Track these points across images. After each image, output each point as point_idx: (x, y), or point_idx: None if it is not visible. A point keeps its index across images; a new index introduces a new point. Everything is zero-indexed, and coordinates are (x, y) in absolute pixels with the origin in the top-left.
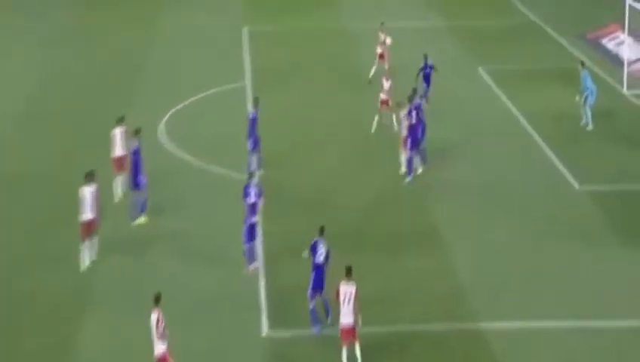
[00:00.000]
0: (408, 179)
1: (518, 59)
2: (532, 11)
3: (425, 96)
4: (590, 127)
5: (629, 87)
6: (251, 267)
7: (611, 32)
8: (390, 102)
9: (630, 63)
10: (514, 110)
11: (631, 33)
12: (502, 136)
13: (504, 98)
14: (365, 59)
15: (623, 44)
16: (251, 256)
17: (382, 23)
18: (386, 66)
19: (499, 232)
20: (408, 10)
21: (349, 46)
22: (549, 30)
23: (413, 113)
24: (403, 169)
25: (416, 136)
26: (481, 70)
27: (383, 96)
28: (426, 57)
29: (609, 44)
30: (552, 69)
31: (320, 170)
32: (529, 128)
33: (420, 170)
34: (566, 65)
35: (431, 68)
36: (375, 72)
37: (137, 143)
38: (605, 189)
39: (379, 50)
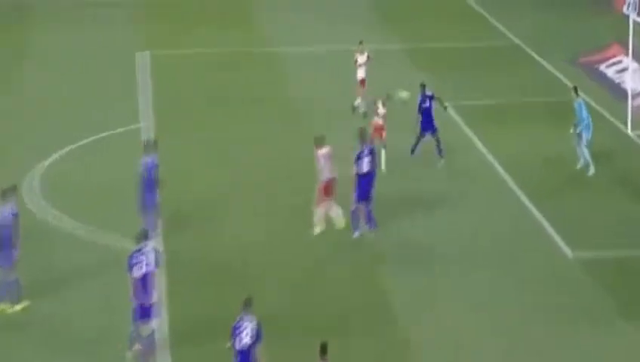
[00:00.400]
0: (356, 234)
1: (495, 91)
2: (513, 31)
3: (422, 135)
4: (592, 170)
5: (634, 127)
6: (132, 350)
7: (612, 56)
8: (385, 132)
9: (635, 96)
10: (490, 157)
11: (637, 57)
12: (475, 191)
13: (477, 142)
14: (299, 87)
15: (625, 71)
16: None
17: (360, 42)
18: (361, 92)
19: (471, 318)
20: (355, 29)
21: (278, 73)
22: (534, 54)
23: (366, 159)
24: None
25: (365, 186)
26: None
27: (378, 121)
28: (423, 87)
29: (608, 70)
30: (537, 103)
31: (240, 230)
32: (509, 180)
33: (364, 231)
34: (554, 97)
35: (431, 99)
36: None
37: (9, 208)
38: (605, 256)
39: (360, 75)
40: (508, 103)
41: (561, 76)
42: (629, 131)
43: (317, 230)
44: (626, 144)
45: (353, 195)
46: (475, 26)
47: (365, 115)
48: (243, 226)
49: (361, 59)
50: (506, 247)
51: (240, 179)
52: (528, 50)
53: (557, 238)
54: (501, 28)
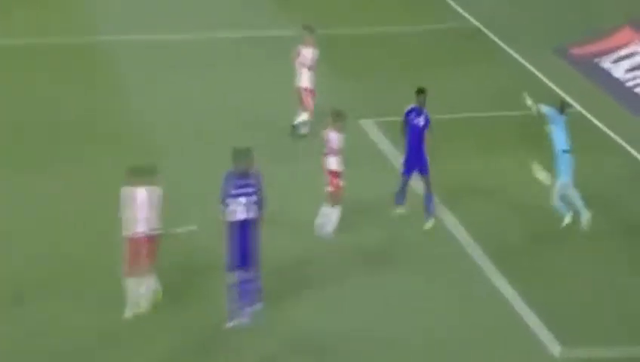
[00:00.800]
0: (229, 325)
1: (441, 100)
2: (475, 13)
3: (406, 174)
4: (587, 217)
5: None
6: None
7: (621, 45)
8: (339, 180)
9: None
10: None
11: None
12: (422, 259)
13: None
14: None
15: None
16: None
17: (307, 28)
18: (309, 105)
19: None
20: (252, 12)
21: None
22: (502, 44)
23: (242, 199)
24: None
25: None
26: (364, 123)
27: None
28: (422, 95)
29: (616, 66)
30: (507, 117)
31: None
32: (471, 245)
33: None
34: (525, 108)
35: (426, 115)
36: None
37: None
38: (602, 356)
39: (304, 82)
40: (462, 118)
41: (541, 75)
42: None
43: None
44: None
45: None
46: (423, 6)
47: (299, 134)
48: None
49: (307, 54)
50: (475, 344)
51: None
52: (494, 37)
53: (541, 331)
54: (458, 9)
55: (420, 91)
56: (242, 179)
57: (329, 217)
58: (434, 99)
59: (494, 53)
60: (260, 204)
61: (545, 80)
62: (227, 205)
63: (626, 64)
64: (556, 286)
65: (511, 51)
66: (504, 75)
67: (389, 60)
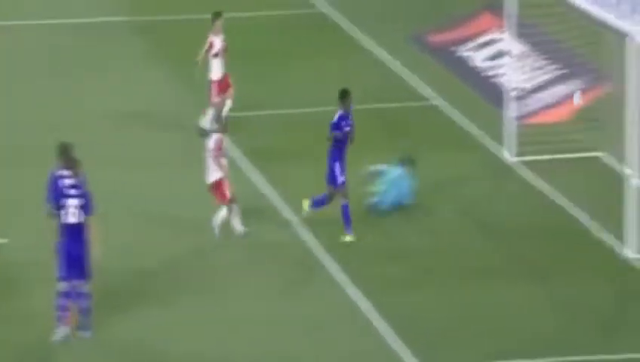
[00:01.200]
0: None
1: (285, 93)
2: None
3: (336, 184)
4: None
5: (516, 151)
6: None
7: (480, 32)
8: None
9: (519, 97)
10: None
11: (518, 34)
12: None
13: (262, 185)
14: None
15: (503, 57)
16: None
17: (217, 15)
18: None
19: None
20: None
21: None
22: (353, 31)
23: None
24: None
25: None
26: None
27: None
28: (346, 96)
29: (474, 55)
30: (358, 111)
31: None
32: (337, 271)
33: None
34: (384, 101)
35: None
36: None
37: None
38: None
39: (215, 73)
40: (310, 112)
41: (395, 65)
42: (509, 157)
43: None
44: (503, 180)
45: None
46: None
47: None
48: None
49: (218, 43)
50: None
51: None
52: (345, 24)
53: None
54: None
55: (346, 94)
56: (70, 178)
57: (221, 216)
58: (277, 92)
59: (345, 41)
60: (87, 207)
61: (399, 70)
62: (57, 206)
63: (485, 52)
64: (412, 299)
65: (363, 39)
66: (356, 65)
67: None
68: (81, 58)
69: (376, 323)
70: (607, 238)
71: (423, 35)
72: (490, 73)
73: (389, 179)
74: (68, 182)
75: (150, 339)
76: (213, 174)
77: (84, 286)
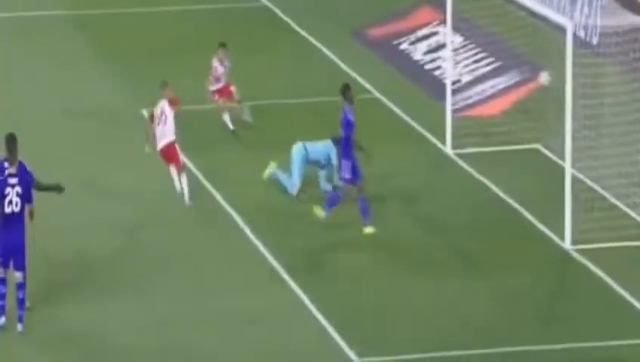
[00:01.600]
0: None
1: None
2: None
3: (353, 179)
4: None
5: (455, 144)
6: None
7: (420, 25)
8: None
9: (459, 89)
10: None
11: (457, 27)
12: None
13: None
14: None
15: (442, 50)
16: None
17: (222, 45)
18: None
19: None
20: None
21: None
22: (294, 24)
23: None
24: None
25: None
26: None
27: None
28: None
29: (414, 48)
30: (300, 105)
31: None
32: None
33: None
34: (322, 95)
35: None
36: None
37: None
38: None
39: (220, 77)
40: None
41: (335, 58)
42: (449, 150)
43: None
44: (444, 172)
45: None
46: None
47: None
48: None
49: (221, 69)
50: None
51: None
52: (285, 17)
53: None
54: None
55: (349, 87)
56: (10, 167)
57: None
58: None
59: (286, 35)
60: (25, 197)
61: (340, 63)
62: (1, 195)
63: (425, 45)
64: (349, 293)
65: (304, 32)
66: (297, 58)
67: (163, 44)
68: (23, 53)
69: (316, 316)
70: (547, 230)
71: (364, 29)
72: (430, 66)
73: (321, 150)
74: (7, 171)
75: (87, 332)
76: (168, 137)
77: (20, 277)
